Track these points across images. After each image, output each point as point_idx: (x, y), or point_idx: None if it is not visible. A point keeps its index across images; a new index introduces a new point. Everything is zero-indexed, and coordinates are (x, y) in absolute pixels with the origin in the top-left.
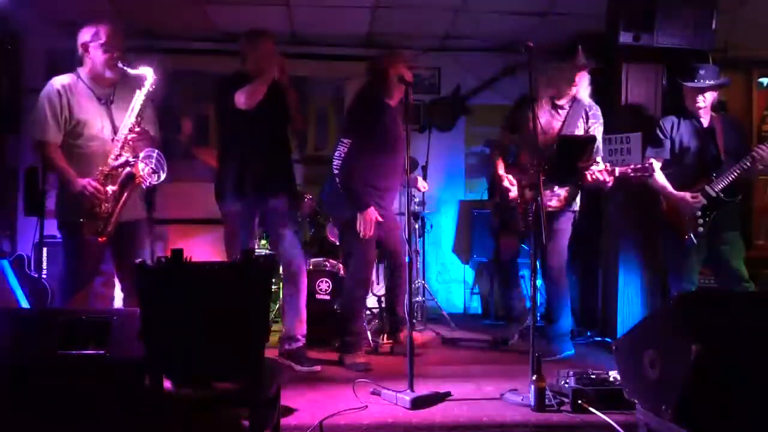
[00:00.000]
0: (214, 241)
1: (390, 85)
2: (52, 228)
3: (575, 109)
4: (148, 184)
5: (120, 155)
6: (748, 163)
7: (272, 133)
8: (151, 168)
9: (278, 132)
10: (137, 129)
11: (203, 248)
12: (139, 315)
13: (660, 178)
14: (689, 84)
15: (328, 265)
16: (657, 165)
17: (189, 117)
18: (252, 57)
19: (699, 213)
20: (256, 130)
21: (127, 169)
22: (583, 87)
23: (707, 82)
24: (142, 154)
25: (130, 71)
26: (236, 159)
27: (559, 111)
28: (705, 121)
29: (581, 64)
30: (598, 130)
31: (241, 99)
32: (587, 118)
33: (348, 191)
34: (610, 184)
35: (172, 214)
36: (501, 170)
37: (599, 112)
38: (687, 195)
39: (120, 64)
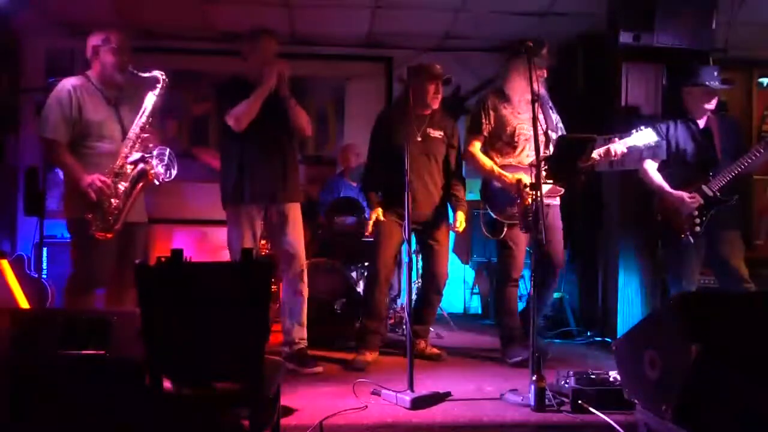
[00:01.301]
0: (214, 240)
1: (404, 94)
2: (52, 228)
3: (543, 101)
4: (161, 181)
5: (131, 153)
6: (746, 163)
7: (274, 135)
8: (164, 165)
9: (281, 134)
10: (148, 128)
11: (203, 248)
12: (139, 315)
13: (657, 178)
14: (710, 82)
15: (328, 265)
16: (654, 165)
17: (174, 118)
18: (252, 59)
19: (696, 213)
20: (258, 133)
21: (140, 165)
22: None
23: (717, 84)
24: (155, 152)
25: (141, 74)
26: (238, 162)
27: (533, 104)
28: (702, 122)
29: (547, 60)
30: (555, 114)
31: (231, 120)
32: (552, 110)
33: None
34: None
35: (170, 213)
36: (492, 165)
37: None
38: (684, 195)
39: (130, 68)
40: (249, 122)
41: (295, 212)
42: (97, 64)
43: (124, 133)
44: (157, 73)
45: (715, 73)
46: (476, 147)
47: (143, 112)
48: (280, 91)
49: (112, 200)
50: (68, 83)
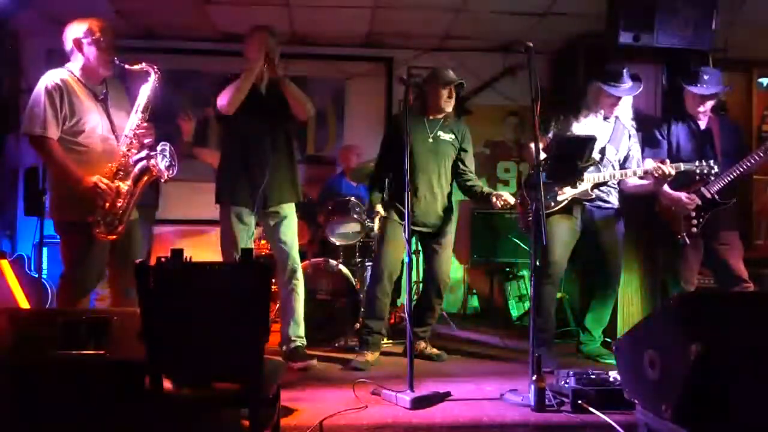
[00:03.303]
0: (214, 241)
1: (417, 97)
2: (52, 228)
3: (618, 125)
4: (165, 178)
5: (130, 152)
6: (745, 166)
7: (272, 134)
8: (168, 162)
9: (279, 133)
10: (144, 125)
11: (203, 248)
12: (139, 315)
13: None
14: (694, 89)
15: (328, 265)
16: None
17: (189, 117)
18: (247, 53)
19: (693, 214)
20: (256, 131)
21: (142, 163)
22: (625, 108)
23: (711, 88)
24: (158, 148)
25: (129, 66)
26: (235, 161)
27: (606, 123)
28: (702, 123)
29: (626, 89)
30: (635, 147)
31: (222, 102)
32: (630, 137)
33: None
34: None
35: (170, 214)
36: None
37: (635, 132)
38: (682, 195)
39: (117, 61)
40: (238, 104)
41: (289, 211)
42: (79, 58)
43: (114, 129)
44: (148, 66)
45: (705, 77)
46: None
47: (137, 107)
48: (270, 71)
49: (117, 202)
50: (56, 77)
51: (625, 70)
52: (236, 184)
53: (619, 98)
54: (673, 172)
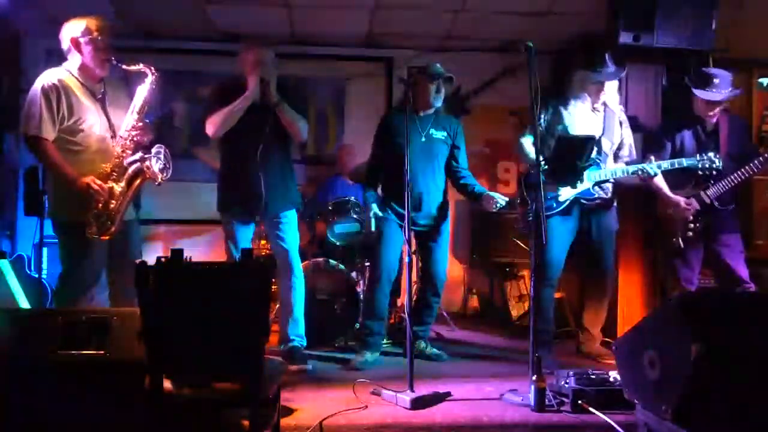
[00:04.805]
0: (214, 240)
1: (407, 95)
2: (51, 228)
3: (608, 114)
4: (158, 181)
5: (125, 153)
6: (745, 174)
7: (268, 145)
8: (162, 164)
9: (275, 142)
10: (139, 125)
11: (203, 248)
12: (139, 315)
13: (658, 178)
14: (704, 95)
15: (328, 265)
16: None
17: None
18: (240, 63)
19: (691, 218)
20: (252, 143)
21: (136, 165)
22: (611, 94)
23: (722, 93)
24: (153, 151)
25: (126, 67)
26: (234, 170)
27: (596, 114)
28: (711, 122)
29: (609, 73)
30: (627, 132)
31: (210, 129)
32: (621, 124)
33: None
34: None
35: (170, 214)
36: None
37: (625, 117)
38: (681, 200)
39: (114, 61)
40: (225, 131)
41: (288, 214)
42: (76, 57)
43: (111, 128)
44: (145, 67)
45: (716, 80)
46: (528, 140)
47: (133, 108)
48: (267, 99)
49: (110, 203)
50: (54, 77)
51: (607, 55)
52: (235, 198)
53: (603, 83)
54: (658, 172)
